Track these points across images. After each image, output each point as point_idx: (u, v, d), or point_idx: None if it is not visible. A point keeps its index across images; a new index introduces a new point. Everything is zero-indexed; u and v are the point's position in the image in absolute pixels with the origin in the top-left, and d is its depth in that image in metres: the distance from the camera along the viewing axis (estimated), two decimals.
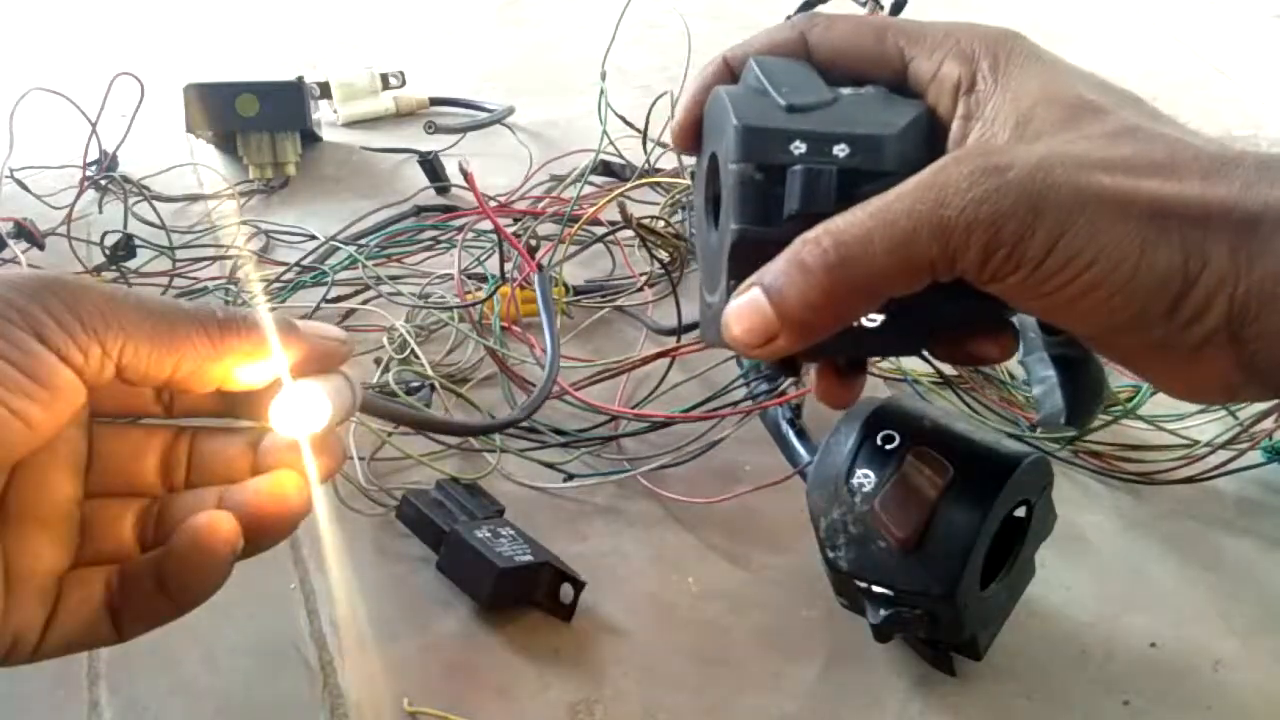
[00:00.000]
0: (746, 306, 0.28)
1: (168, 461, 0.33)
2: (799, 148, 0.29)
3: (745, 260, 0.29)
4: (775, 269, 0.28)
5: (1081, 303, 0.26)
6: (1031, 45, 0.30)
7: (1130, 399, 0.53)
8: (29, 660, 0.30)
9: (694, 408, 0.53)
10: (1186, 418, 0.53)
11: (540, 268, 0.54)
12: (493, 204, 0.70)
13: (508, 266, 0.62)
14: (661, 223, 0.63)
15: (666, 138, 0.71)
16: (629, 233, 0.68)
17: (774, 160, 0.29)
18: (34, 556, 0.30)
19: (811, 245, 0.27)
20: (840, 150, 0.28)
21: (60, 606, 0.30)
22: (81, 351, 0.28)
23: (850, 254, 0.26)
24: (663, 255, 0.61)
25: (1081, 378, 0.39)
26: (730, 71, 0.33)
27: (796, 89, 0.30)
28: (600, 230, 0.67)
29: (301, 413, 0.30)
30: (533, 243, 0.62)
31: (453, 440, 0.52)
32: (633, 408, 0.54)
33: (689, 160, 0.75)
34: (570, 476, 0.50)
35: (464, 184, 0.74)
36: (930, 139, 0.30)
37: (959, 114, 0.29)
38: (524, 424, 0.52)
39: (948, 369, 0.55)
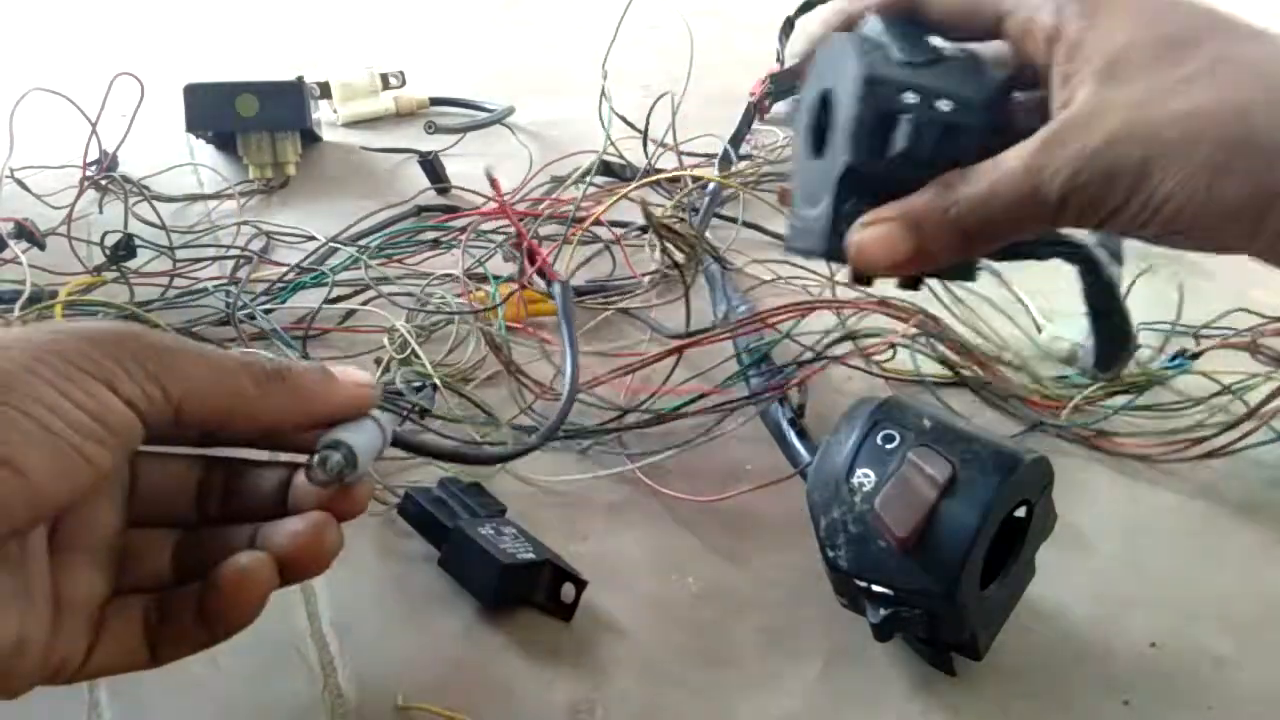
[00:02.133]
0: (885, 236, 0.34)
1: (203, 492, 0.36)
2: (911, 98, 0.34)
3: (852, 188, 0.34)
4: (916, 209, 0.33)
5: (1172, 232, 0.31)
6: None
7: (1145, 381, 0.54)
8: (67, 683, 0.32)
9: (695, 400, 0.53)
10: (1193, 406, 0.54)
11: (563, 282, 0.53)
12: (492, 205, 0.70)
13: (511, 267, 0.62)
14: (681, 223, 0.64)
15: (668, 138, 0.71)
16: (628, 232, 0.69)
17: (889, 107, 0.34)
18: (81, 585, 0.32)
19: (952, 201, 0.33)
20: (944, 105, 0.34)
21: (103, 633, 0.32)
22: (148, 399, 0.30)
23: (980, 213, 0.32)
24: (679, 257, 0.62)
25: (1105, 328, 0.44)
26: (849, 21, 0.38)
27: (909, 46, 0.35)
28: (599, 230, 0.67)
29: (334, 468, 0.33)
30: (534, 244, 0.61)
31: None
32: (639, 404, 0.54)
33: (690, 160, 0.75)
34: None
35: (463, 185, 0.75)
36: (1007, 100, 0.35)
37: (1056, 62, 0.33)
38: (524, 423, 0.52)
39: (962, 370, 0.56)
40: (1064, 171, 0.31)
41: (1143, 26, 0.31)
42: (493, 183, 0.54)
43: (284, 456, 0.37)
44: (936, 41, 0.36)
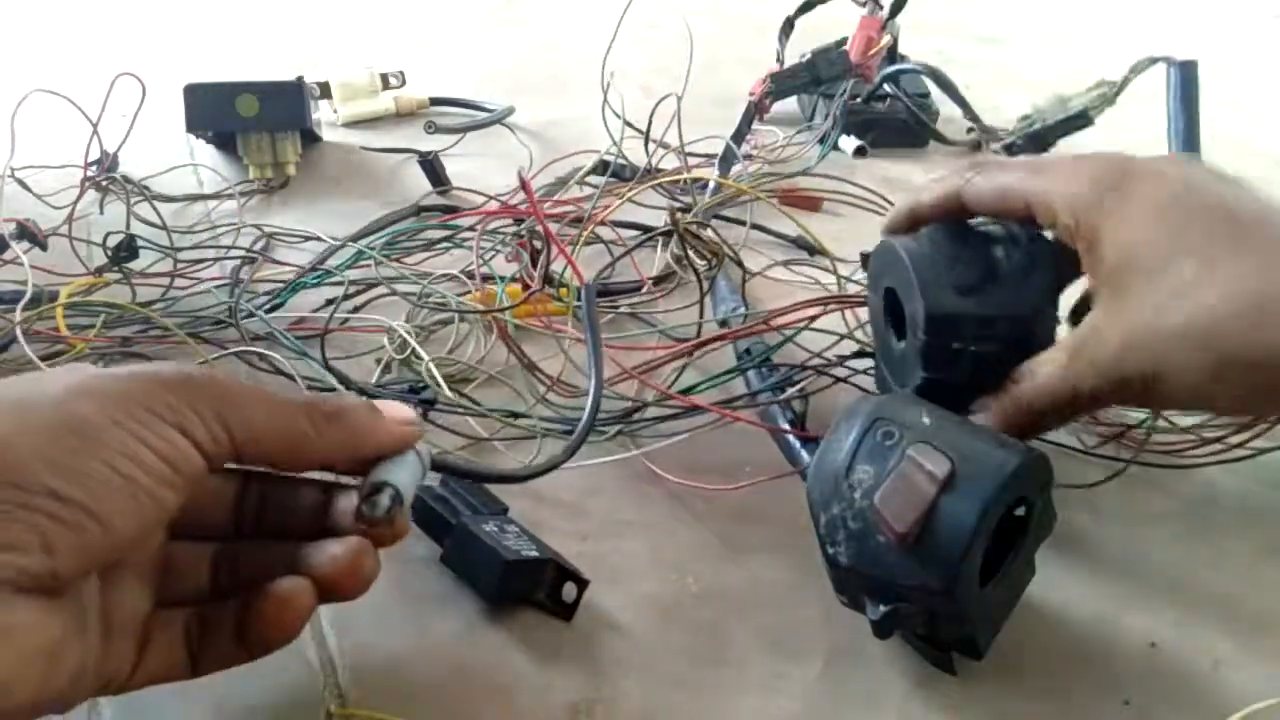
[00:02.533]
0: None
1: (240, 506, 0.37)
2: (971, 327, 0.41)
3: (930, 393, 0.42)
4: (987, 411, 0.42)
5: (1195, 412, 0.43)
6: (1129, 183, 0.37)
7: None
8: (113, 694, 0.33)
9: (698, 388, 0.53)
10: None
11: (587, 285, 0.53)
12: (493, 204, 0.70)
13: (514, 266, 0.62)
14: (708, 231, 0.64)
15: (669, 138, 0.71)
16: (632, 234, 0.69)
17: (951, 341, 0.42)
18: (128, 602, 0.33)
19: (1011, 406, 0.41)
20: (1001, 329, 0.41)
21: (148, 647, 0.33)
22: (214, 442, 0.31)
23: (1034, 414, 0.40)
24: (700, 264, 0.62)
25: None
26: (909, 224, 0.45)
27: (967, 268, 0.42)
28: (602, 230, 0.67)
29: (382, 510, 0.34)
30: (537, 244, 0.62)
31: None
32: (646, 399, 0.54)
33: (693, 160, 0.75)
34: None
35: (463, 185, 0.75)
36: (1055, 291, 0.42)
37: (1080, 251, 0.38)
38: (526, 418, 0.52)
39: None
40: (1089, 379, 0.37)
41: (1150, 225, 0.36)
42: (524, 184, 0.53)
43: (320, 474, 0.37)
44: (988, 230, 0.43)
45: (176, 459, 0.30)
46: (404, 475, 0.35)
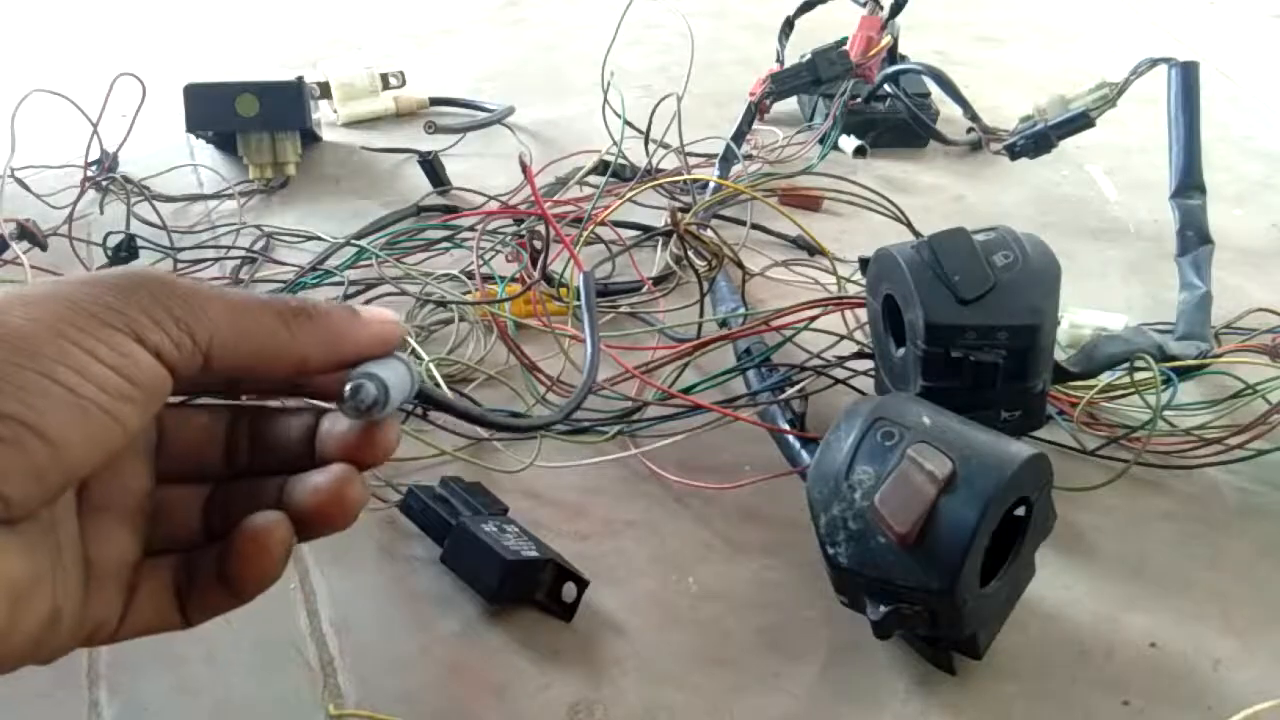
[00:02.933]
0: None
1: (230, 445, 0.34)
2: (971, 337, 0.41)
3: (930, 400, 0.41)
4: None
5: None
6: None
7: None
8: (103, 644, 0.31)
9: (698, 388, 0.53)
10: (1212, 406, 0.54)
11: (586, 272, 0.53)
12: (493, 204, 0.70)
13: (516, 267, 0.62)
14: (708, 232, 0.64)
15: (670, 138, 0.71)
16: (632, 234, 0.69)
17: (953, 349, 0.42)
18: (112, 548, 0.31)
19: None
20: (1002, 338, 0.41)
21: (136, 596, 0.31)
22: (176, 347, 0.28)
23: None
24: (700, 264, 0.62)
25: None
26: None
27: (967, 278, 0.42)
28: (602, 230, 0.67)
29: (368, 398, 0.31)
30: (537, 244, 0.62)
31: (484, 433, 0.52)
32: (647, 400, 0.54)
33: (693, 161, 0.75)
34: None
35: (463, 185, 0.75)
36: (1055, 299, 0.42)
37: None
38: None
39: None
40: None
41: None
42: (525, 169, 0.53)
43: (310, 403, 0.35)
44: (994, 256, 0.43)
45: (131, 370, 0.27)
46: (390, 373, 0.33)
